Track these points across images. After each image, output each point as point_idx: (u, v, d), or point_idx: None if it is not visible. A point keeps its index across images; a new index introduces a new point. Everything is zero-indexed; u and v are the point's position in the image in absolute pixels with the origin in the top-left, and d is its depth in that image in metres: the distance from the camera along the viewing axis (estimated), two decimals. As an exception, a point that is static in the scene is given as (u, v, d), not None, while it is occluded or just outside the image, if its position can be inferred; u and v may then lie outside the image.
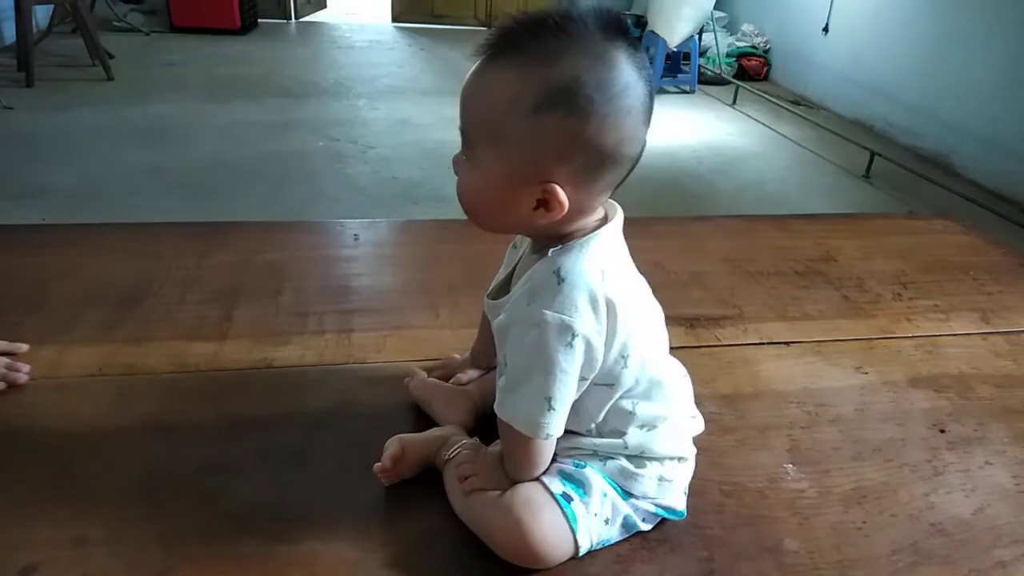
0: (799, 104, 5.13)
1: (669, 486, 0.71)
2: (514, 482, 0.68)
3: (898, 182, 3.76)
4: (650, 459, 0.70)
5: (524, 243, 0.73)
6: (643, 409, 0.69)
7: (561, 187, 0.60)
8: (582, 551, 0.67)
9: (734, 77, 5.52)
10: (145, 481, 0.75)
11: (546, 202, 0.61)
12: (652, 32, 5.26)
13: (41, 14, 4.99)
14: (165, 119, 3.96)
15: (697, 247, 1.37)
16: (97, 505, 0.71)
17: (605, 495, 0.68)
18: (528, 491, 0.67)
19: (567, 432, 0.67)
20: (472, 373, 0.88)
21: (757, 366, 1.02)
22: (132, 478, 0.75)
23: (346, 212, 2.96)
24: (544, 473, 0.68)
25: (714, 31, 5.68)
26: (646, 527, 0.71)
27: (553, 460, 0.69)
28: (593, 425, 0.70)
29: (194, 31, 5.97)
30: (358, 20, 7.38)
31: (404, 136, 3.96)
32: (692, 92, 5.40)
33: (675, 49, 5.26)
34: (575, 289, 0.62)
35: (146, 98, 4.28)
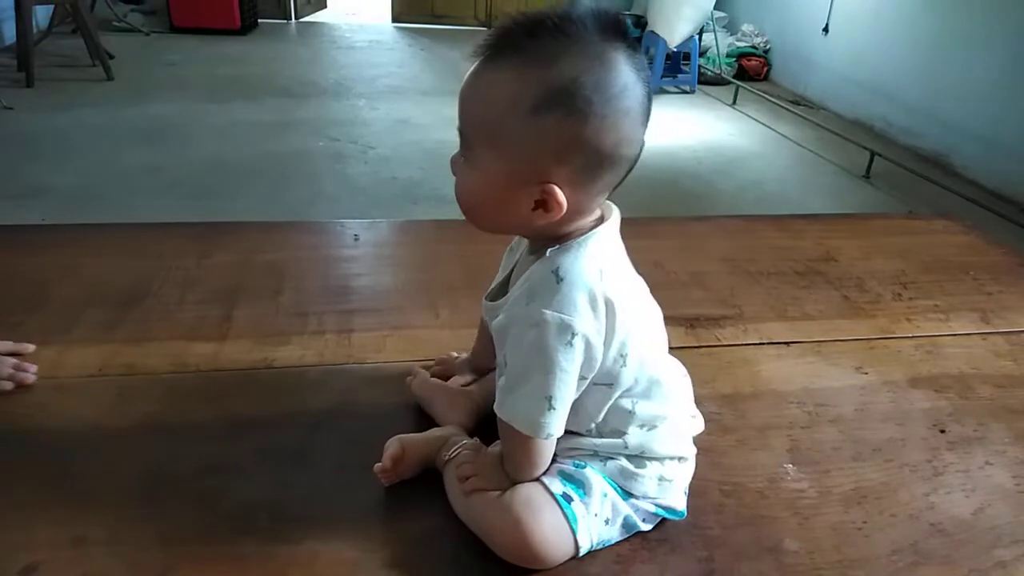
0: (799, 104, 5.13)
1: (669, 486, 0.71)
2: (514, 482, 0.68)
3: (898, 182, 3.76)
4: (650, 459, 0.70)
5: (521, 246, 0.73)
6: (643, 408, 0.69)
7: (560, 188, 0.60)
8: (582, 551, 0.67)
9: (734, 77, 5.52)
10: (145, 481, 0.75)
11: (545, 203, 0.61)
12: (652, 32, 5.26)
13: (41, 14, 4.99)
14: (165, 119, 3.96)
15: (697, 247, 1.37)
16: (97, 505, 0.71)
17: (605, 495, 0.68)
18: (528, 491, 0.67)
19: (567, 432, 0.67)
20: (468, 378, 0.87)
21: (757, 366, 1.02)
22: (132, 478, 0.75)
23: (346, 212, 2.96)
24: (544, 473, 0.68)
25: (714, 31, 5.68)
26: (646, 527, 0.71)
27: (553, 460, 0.69)
28: (593, 425, 0.70)
29: (194, 31, 5.97)
30: (358, 20, 7.38)
31: (404, 136, 3.96)
32: (692, 92, 5.40)
33: (675, 49, 5.26)
34: (574, 288, 0.62)
35: (146, 98, 4.28)
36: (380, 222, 1.51)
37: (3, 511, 0.70)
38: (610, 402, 0.68)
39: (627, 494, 0.70)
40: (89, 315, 1.02)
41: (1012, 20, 3.60)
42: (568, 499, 0.67)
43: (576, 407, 0.66)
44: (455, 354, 0.92)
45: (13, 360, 0.88)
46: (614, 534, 0.70)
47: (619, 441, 0.70)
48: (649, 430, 0.70)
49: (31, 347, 0.93)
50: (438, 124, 4.07)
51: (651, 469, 0.70)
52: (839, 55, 4.98)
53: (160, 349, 0.96)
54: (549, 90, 0.58)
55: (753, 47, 5.83)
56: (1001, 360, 1.08)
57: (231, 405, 0.87)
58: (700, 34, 5.43)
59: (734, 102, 5.11)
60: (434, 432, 0.78)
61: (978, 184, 3.73)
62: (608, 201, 0.68)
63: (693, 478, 0.75)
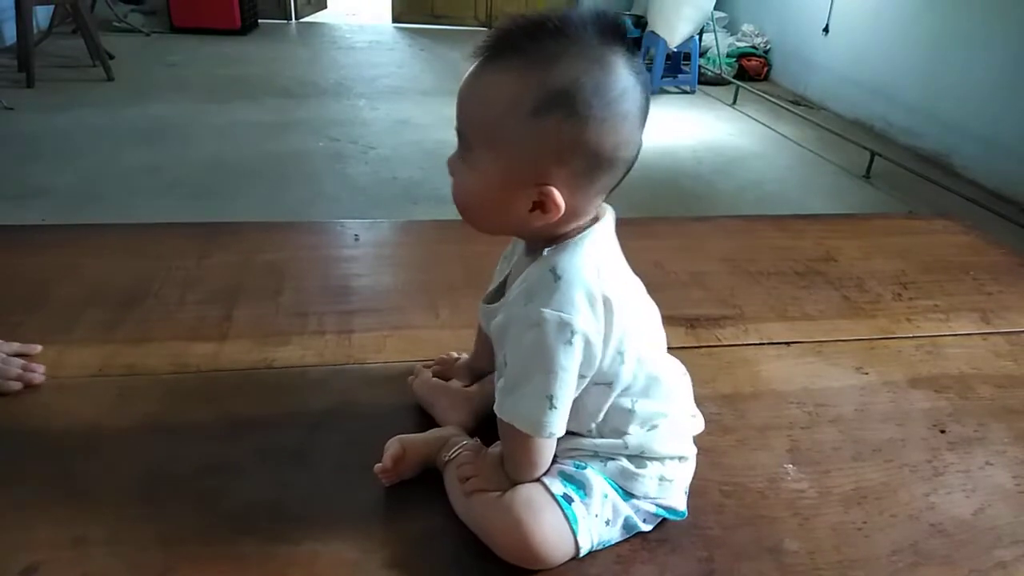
0: (799, 104, 5.13)
1: (670, 486, 0.71)
2: (515, 483, 0.68)
3: (898, 182, 3.76)
4: (651, 459, 0.70)
5: (515, 253, 0.73)
6: (642, 407, 0.69)
7: (558, 189, 0.60)
8: (582, 552, 0.67)
9: (734, 77, 5.52)
10: (145, 481, 0.75)
11: (542, 204, 0.61)
12: (652, 32, 5.26)
13: (42, 15, 4.99)
14: (165, 119, 3.96)
15: (697, 247, 1.37)
16: (97, 505, 0.71)
17: (606, 496, 0.68)
18: (529, 492, 0.67)
19: (567, 433, 0.67)
20: (466, 381, 0.87)
21: (757, 366, 1.02)
22: (132, 478, 0.75)
23: (346, 212, 2.96)
24: (545, 474, 0.68)
25: (714, 31, 5.68)
26: (647, 528, 0.71)
27: (553, 461, 0.69)
28: (593, 425, 0.70)
29: (194, 31, 5.97)
30: (358, 20, 7.38)
31: (404, 136, 3.96)
32: (692, 92, 5.40)
33: (675, 49, 5.26)
34: (572, 287, 0.62)
35: (146, 98, 4.28)
36: (380, 222, 1.51)
37: (3, 511, 0.70)
38: (609, 401, 0.68)
39: (628, 495, 0.69)
40: (89, 315, 1.02)
41: (1012, 20, 3.60)
42: (569, 500, 0.67)
43: (576, 407, 0.66)
44: (454, 354, 0.92)
45: (21, 361, 0.89)
46: (614, 535, 0.70)
47: (619, 441, 0.70)
48: (649, 429, 0.70)
49: (38, 347, 0.93)
50: (438, 124, 4.07)
51: (652, 469, 0.70)
52: (839, 55, 4.98)
53: (160, 349, 0.96)
54: (549, 92, 0.58)
55: (753, 47, 5.82)
56: (1001, 360, 1.08)
57: (231, 405, 0.87)
58: (700, 34, 5.43)
59: (734, 102, 5.12)
60: (435, 432, 0.78)
61: (978, 184, 3.73)
62: (603, 203, 0.68)
63: (693, 478, 0.75)
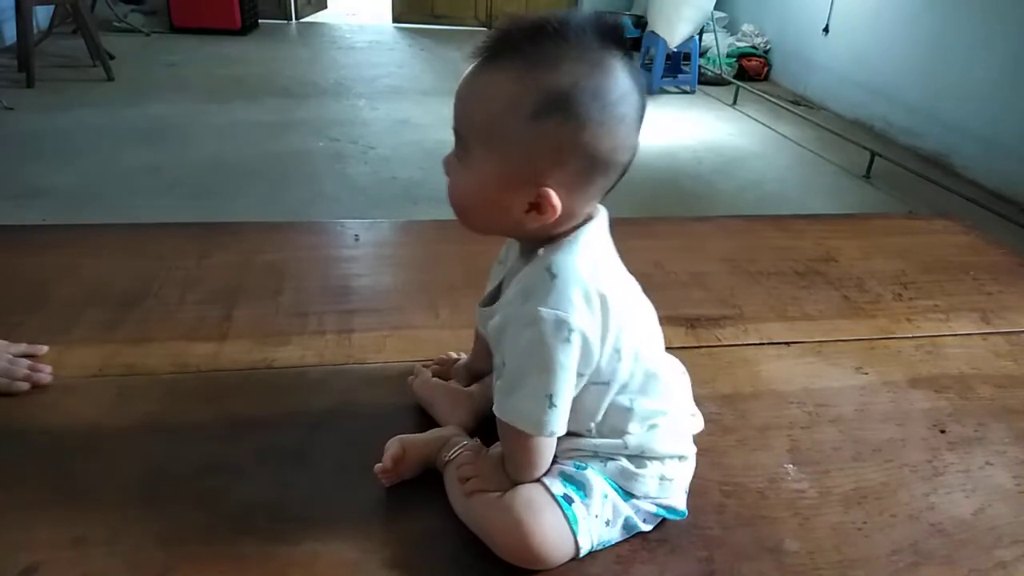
0: (799, 104, 5.13)
1: (670, 485, 0.71)
2: (515, 483, 0.68)
3: (898, 182, 3.76)
4: (650, 458, 0.70)
5: (509, 257, 0.73)
6: (641, 404, 0.69)
7: (555, 191, 0.61)
8: (582, 552, 0.67)
9: (734, 77, 5.52)
10: (145, 481, 0.75)
11: (539, 205, 0.61)
12: (652, 32, 5.26)
13: (42, 15, 4.99)
14: (165, 119, 3.96)
15: (697, 247, 1.37)
16: (97, 505, 0.71)
17: (606, 497, 0.68)
18: (529, 492, 0.67)
19: (567, 433, 0.67)
20: (462, 384, 0.87)
21: (757, 366, 1.02)
22: (132, 478, 0.75)
23: (346, 212, 2.96)
24: (545, 474, 0.68)
25: (714, 31, 5.68)
26: (647, 527, 0.71)
27: (554, 461, 0.69)
28: (592, 424, 0.70)
29: (194, 31, 5.97)
30: (358, 20, 7.38)
31: (404, 136, 3.96)
32: (692, 92, 5.40)
33: (675, 49, 5.26)
34: (568, 284, 0.62)
35: (146, 98, 4.28)
36: (380, 222, 1.51)
37: (3, 511, 0.70)
38: (608, 400, 0.68)
39: (628, 495, 0.69)
40: (89, 315, 1.02)
41: (1012, 20, 3.60)
42: (569, 500, 0.67)
43: (574, 406, 0.66)
44: (454, 355, 0.92)
45: (27, 361, 0.89)
46: (615, 535, 0.70)
47: (619, 441, 0.70)
48: (649, 429, 0.70)
49: (45, 348, 0.93)
50: (438, 124, 4.07)
51: (652, 469, 0.70)
52: (839, 55, 4.98)
53: (160, 349, 0.96)
54: (549, 94, 0.58)
55: (753, 47, 5.82)
56: (1001, 360, 1.08)
57: (231, 405, 0.87)
58: (700, 34, 5.43)
59: (734, 102, 5.12)
60: (435, 432, 0.78)
61: (978, 184, 3.73)
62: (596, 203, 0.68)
63: (693, 478, 0.75)
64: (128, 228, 1.36)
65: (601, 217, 0.68)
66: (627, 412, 0.69)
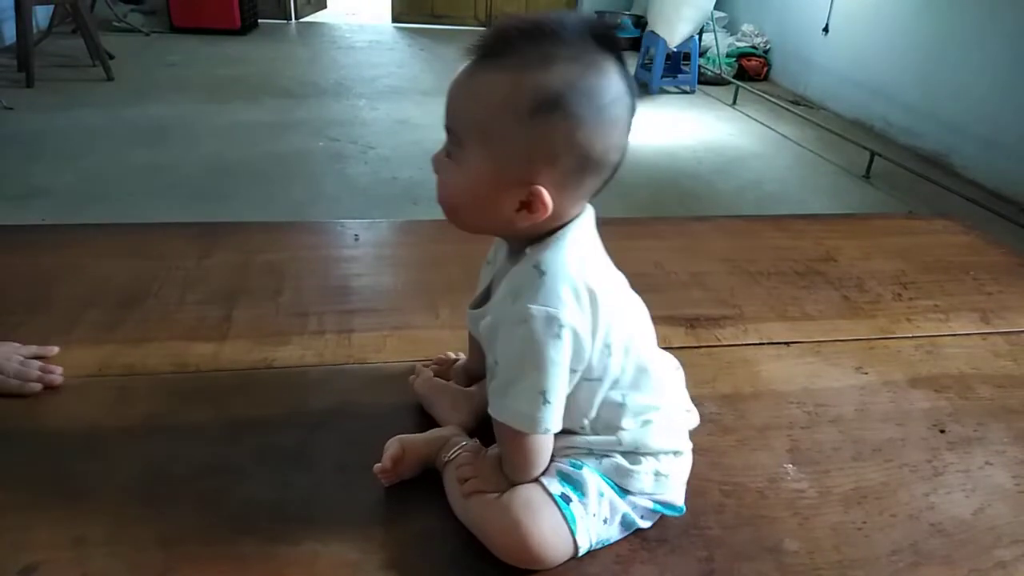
0: (799, 104, 5.13)
1: (666, 481, 0.71)
2: (513, 484, 0.68)
3: (898, 182, 3.76)
4: (645, 454, 0.70)
5: (497, 258, 0.74)
6: (633, 400, 0.69)
7: (546, 189, 0.61)
8: (581, 552, 0.67)
9: (734, 77, 5.52)
10: (145, 481, 0.75)
11: (530, 204, 0.62)
12: (652, 32, 5.26)
13: (41, 14, 4.99)
14: (165, 119, 3.96)
15: (697, 247, 1.37)
16: (97, 505, 0.71)
17: (602, 495, 0.68)
18: (527, 493, 0.67)
19: (562, 431, 0.67)
20: (460, 385, 0.87)
21: (757, 366, 1.02)
22: (132, 478, 0.75)
23: (346, 212, 2.96)
24: (543, 474, 0.68)
25: (714, 31, 5.68)
26: (645, 524, 0.71)
27: (551, 461, 0.69)
28: (586, 421, 0.70)
29: (194, 31, 5.97)
30: (358, 20, 7.38)
31: (404, 136, 3.96)
32: (692, 92, 5.40)
33: (675, 49, 5.26)
34: (557, 281, 0.62)
35: (146, 98, 4.28)
36: (380, 222, 1.51)
37: (3, 511, 0.70)
38: (600, 396, 0.68)
39: (624, 491, 0.70)
40: (89, 315, 1.02)
41: (1011, 20, 3.60)
42: (566, 500, 0.67)
43: (568, 404, 0.66)
44: (453, 355, 0.92)
45: (39, 363, 0.89)
46: (613, 533, 0.70)
47: (613, 438, 0.70)
48: (643, 424, 0.70)
49: (55, 349, 0.93)
50: (438, 124, 3.97)
51: (646, 464, 0.70)
52: (839, 55, 4.98)
53: (160, 349, 0.96)
54: (544, 94, 0.58)
55: (753, 47, 5.83)
56: (1001, 360, 1.08)
57: (231, 405, 0.87)
58: (700, 34, 5.43)
59: (734, 102, 5.12)
60: (434, 433, 0.78)
61: (978, 184, 3.73)
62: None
63: (693, 478, 0.75)
64: (128, 228, 1.36)
65: (587, 214, 0.68)
66: (620, 408, 0.69)
